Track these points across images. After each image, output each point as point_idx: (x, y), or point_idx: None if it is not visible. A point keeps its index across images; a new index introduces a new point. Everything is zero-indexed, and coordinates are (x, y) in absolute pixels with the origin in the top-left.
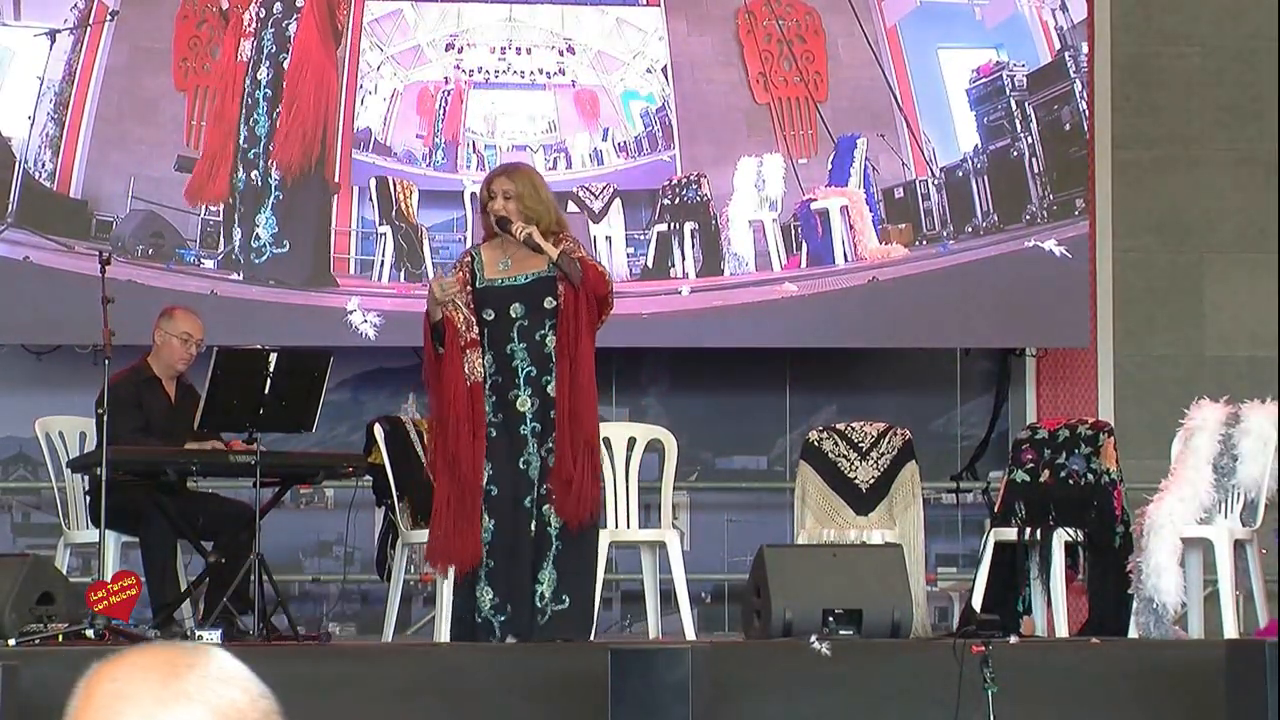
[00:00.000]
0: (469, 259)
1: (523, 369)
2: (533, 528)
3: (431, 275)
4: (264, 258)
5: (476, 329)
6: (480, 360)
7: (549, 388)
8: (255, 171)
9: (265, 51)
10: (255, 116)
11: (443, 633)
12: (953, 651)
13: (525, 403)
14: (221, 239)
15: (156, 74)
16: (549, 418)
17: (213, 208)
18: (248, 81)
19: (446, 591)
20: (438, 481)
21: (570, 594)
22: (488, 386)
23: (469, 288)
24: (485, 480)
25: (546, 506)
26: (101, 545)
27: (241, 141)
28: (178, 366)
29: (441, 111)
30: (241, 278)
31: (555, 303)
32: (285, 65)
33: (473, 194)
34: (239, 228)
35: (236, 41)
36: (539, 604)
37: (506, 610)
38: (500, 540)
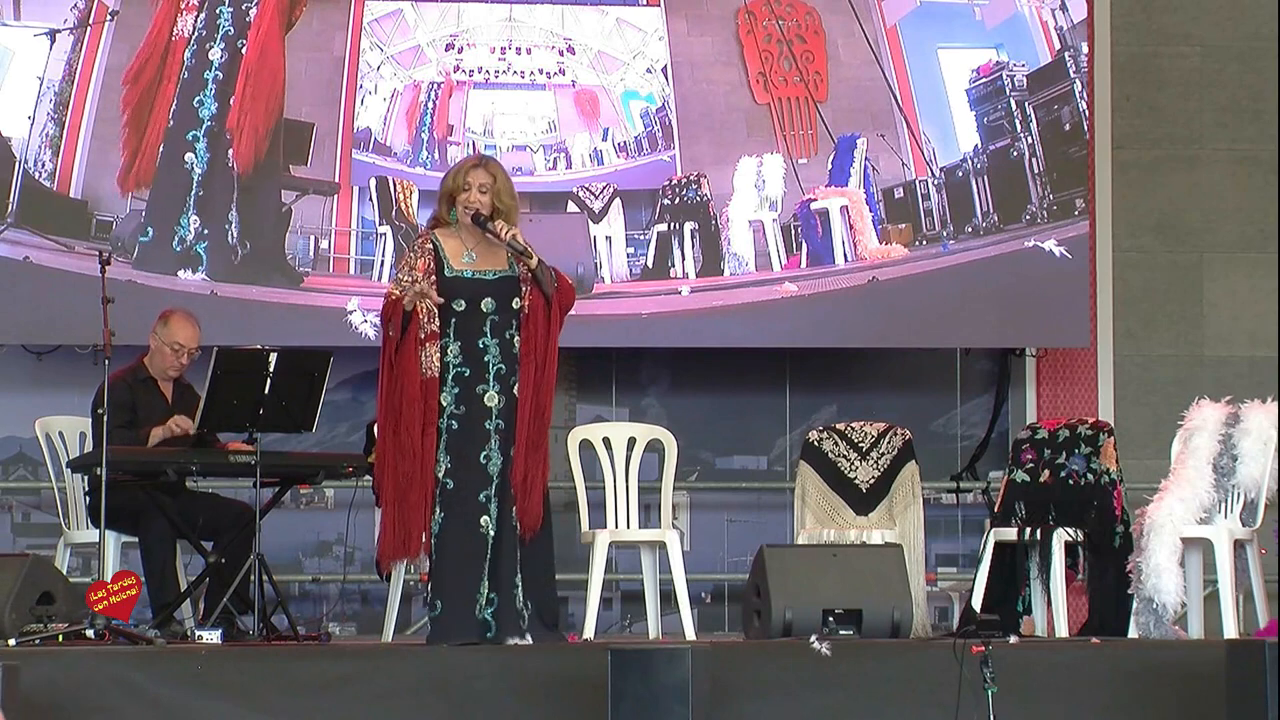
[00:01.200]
0: (430, 245)
1: (493, 365)
2: (494, 527)
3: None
4: (237, 256)
5: (439, 320)
6: (437, 354)
7: (514, 388)
8: (191, 154)
9: (221, 31)
10: (201, 97)
11: None
12: (953, 651)
13: (493, 399)
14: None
15: None
16: (512, 417)
17: (139, 194)
18: (189, 57)
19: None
20: (384, 475)
21: (539, 595)
22: (451, 378)
23: (433, 276)
24: (442, 473)
25: (515, 509)
26: (101, 545)
27: (171, 120)
28: (169, 374)
29: (430, 107)
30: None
31: (520, 304)
32: (243, 50)
33: None
34: (176, 214)
35: (173, 15)
36: (519, 605)
37: (437, 607)
38: (449, 535)
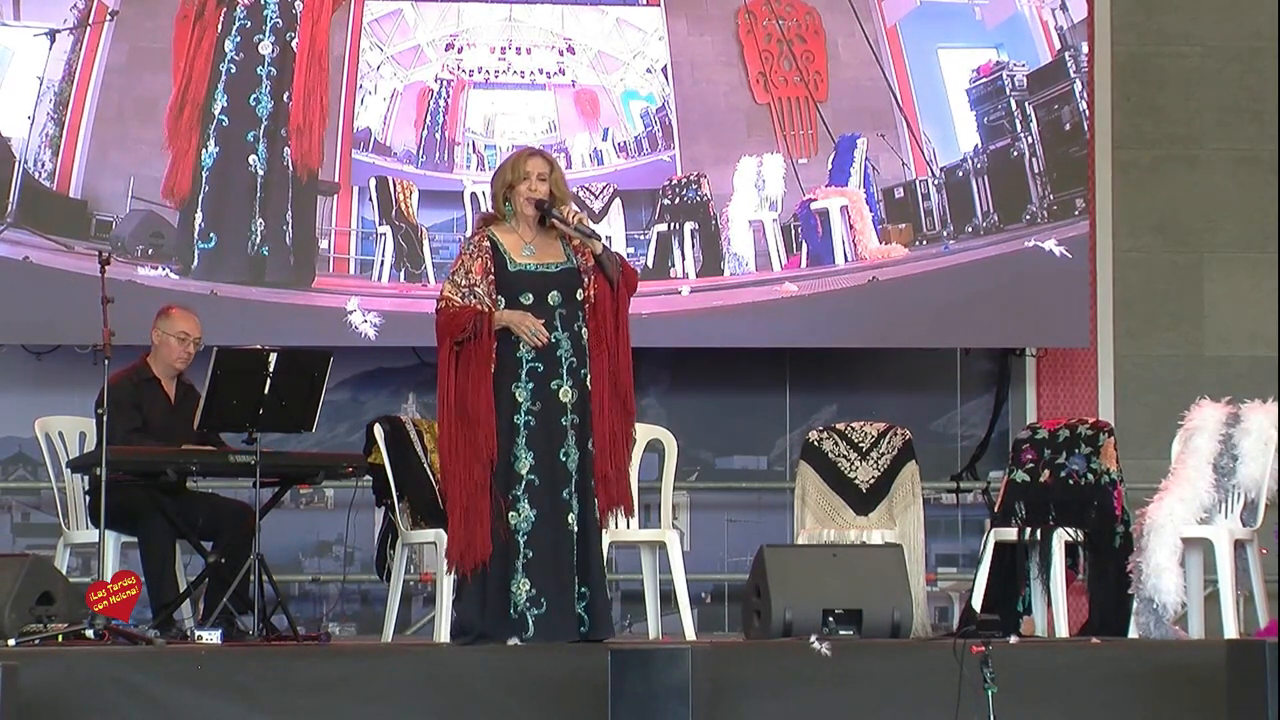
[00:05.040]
0: (488, 243)
1: (566, 359)
2: (577, 524)
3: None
4: (262, 256)
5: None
6: (494, 353)
7: (586, 380)
8: (254, 156)
9: (269, 24)
10: (257, 95)
11: (443, 633)
12: (953, 651)
13: (568, 393)
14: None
15: (156, 74)
16: (586, 410)
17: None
18: (230, 48)
19: (447, 590)
20: (456, 478)
21: (602, 590)
22: (524, 374)
23: (491, 275)
24: (526, 470)
25: (595, 502)
26: (101, 545)
27: (226, 119)
28: (176, 366)
29: (444, 106)
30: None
31: (584, 294)
32: (294, 45)
33: (473, 194)
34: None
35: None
36: (608, 601)
37: (542, 604)
38: (540, 532)
